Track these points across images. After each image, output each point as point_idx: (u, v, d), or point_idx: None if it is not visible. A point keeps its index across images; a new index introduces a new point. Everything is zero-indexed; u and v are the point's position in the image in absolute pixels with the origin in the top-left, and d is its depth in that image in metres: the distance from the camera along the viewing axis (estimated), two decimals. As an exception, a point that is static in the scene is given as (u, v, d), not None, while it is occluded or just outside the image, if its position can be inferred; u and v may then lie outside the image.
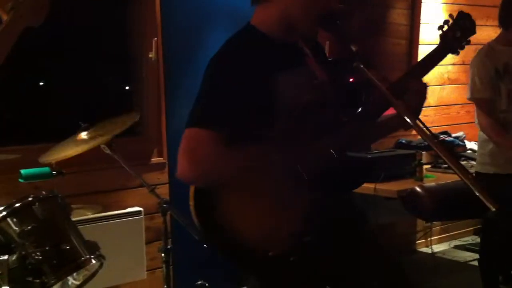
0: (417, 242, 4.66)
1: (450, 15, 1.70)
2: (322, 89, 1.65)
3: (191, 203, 1.59)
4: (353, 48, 1.53)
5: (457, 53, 1.71)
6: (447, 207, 2.56)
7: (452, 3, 4.78)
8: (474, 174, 3.10)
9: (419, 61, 1.69)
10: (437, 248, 4.68)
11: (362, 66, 1.50)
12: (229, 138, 1.48)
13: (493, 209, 1.24)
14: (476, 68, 2.98)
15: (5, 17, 1.34)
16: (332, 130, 1.59)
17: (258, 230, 1.51)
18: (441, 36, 1.68)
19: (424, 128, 1.42)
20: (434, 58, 1.67)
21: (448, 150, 1.38)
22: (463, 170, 1.32)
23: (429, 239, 4.58)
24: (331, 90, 1.67)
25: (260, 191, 1.52)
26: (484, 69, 2.94)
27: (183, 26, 3.37)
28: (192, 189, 1.59)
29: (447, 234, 4.81)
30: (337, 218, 1.61)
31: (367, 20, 4.30)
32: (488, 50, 3.01)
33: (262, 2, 1.63)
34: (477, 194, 1.26)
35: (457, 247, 4.70)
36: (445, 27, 1.67)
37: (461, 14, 1.70)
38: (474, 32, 1.71)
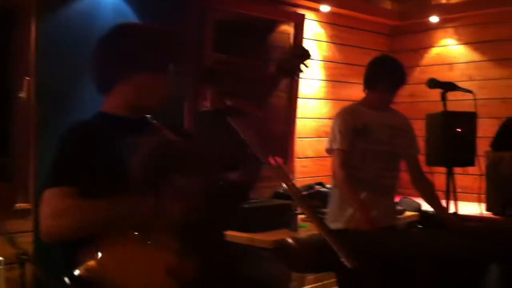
0: (293, 291, 4.72)
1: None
2: (178, 152, 1.65)
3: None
4: (228, 103, 1.56)
5: (296, 76, 1.92)
6: (318, 259, 2.61)
7: (328, 61, 5.05)
8: None
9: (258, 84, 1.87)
10: (312, 297, 4.76)
11: (234, 120, 1.52)
12: (83, 192, 1.50)
13: (351, 267, 1.27)
14: (338, 122, 3.15)
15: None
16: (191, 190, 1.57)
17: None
18: (276, 65, 1.88)
19: (292, 185, 1.44)
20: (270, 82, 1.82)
21: (312, 208, 1.41)
22: (325, 228, 1.35)
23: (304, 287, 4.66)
24: (192, 151, 1.68)
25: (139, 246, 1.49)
26: (345, 124, 3.11)
27: (58, 67, 3.24)
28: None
29: (321, 283, 4.91)
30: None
31: (250, 71, 4.41)
32: (351, 110, 3.20)
33: (107, 91, 1.71)
34: (338, 252, 1.29)
35: (331, 295, 4.82)
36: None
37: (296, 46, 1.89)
38: (308, 56, 1.88)
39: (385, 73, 3.12)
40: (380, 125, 3.14)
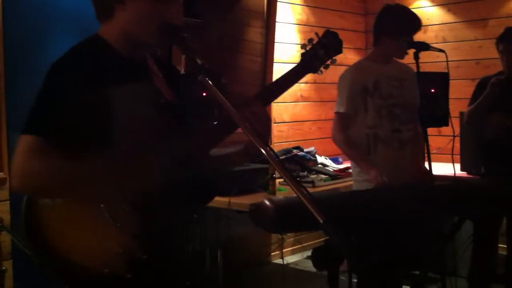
0: (272, 254, 4.78)
1: (316, 34, 1.65)
2: (167, 108, 1.61)
3: (22, 220, 1.50)
4: (199, 61, 1.51)
5: (320, 72, 1.67)
6: (294, 219, 2.63)
7: (304, 25, 5.02)
8: None
9: (278, 79, 1.65)
10: (291, 259, 4.84)
11: (207, 79, 1.48)
12: (60, 148, 1.44)
13: (321, 221, 1.28)
14: (342, 83, 3.09)
15: None
16: (173, 149, 1.54)
17: (89, 249, 1.44)
18: (302, 54, 1.64)
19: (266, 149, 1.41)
20: (293, 76, 1.64)
21: (284, 166, 1.40)
22: (297, 184, 1.35)
23: (283, 250, 4.72)
24: (180, 109, 1.65)
25: (90, 209, 1.46)
26: (351, 85, 3.04)
27: (24, 28, 3.17)
28: (24, 205, 1.50)
29: (300, 245, 4.98)
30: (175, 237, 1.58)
31: (223, 36, 4.38)
32: (358, 67, 3.13)
33: (106, 18, 1.60)
34: (307, 206, 1.30)
35: (309, 257, 4.89)
36: (308, 46, 1.63)
37: (327, 33, 1.65)
38: (339, 51, 1.67)
39: (394, 20, 3.05)
40: (390, 79, 3.09)
